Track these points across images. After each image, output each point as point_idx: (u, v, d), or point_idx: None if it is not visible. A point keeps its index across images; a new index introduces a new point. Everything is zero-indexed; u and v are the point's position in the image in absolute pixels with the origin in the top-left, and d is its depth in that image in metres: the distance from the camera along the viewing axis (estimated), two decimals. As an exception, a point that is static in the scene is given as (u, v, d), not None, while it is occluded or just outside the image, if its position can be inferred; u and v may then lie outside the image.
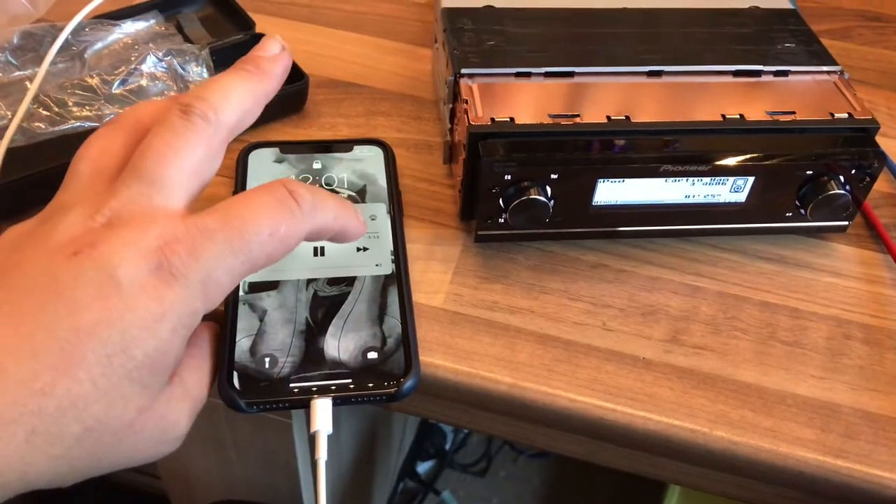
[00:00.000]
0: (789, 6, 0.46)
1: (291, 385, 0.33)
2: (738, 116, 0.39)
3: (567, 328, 0.37)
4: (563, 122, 0.38)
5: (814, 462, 0.34)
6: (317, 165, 0.42)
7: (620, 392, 0.35)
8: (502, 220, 0.38)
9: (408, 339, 0.35)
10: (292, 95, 0.46)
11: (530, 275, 0.40)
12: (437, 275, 0.39)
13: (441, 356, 0.36)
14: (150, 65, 0.45)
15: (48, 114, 0.42)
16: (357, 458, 0.80)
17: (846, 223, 0.41)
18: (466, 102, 0.38)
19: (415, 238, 0.41)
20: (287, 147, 0.43)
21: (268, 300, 0.36)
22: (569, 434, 0.36)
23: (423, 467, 1.24)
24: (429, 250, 0.40)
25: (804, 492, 0.35)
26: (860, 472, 0.33)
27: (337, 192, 0.41)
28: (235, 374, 0.33)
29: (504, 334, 0.37)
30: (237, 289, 0.36)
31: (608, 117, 0.38)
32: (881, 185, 0.46)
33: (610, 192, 0.38)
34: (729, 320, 0.38)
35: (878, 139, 0.48)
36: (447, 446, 1.26)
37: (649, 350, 0.37)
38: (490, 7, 0.44)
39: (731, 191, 0.39)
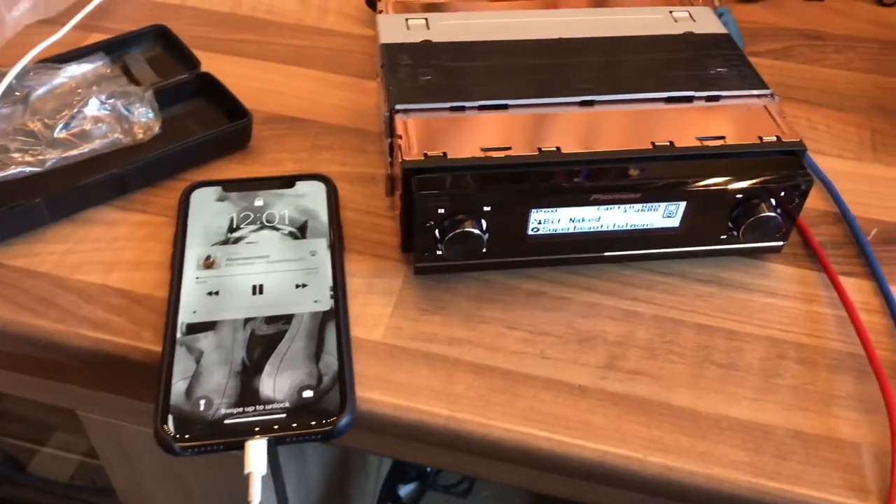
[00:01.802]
0: (722, 31, 0.47)
1: (226, 426, 0.33)
2: (667, 143, 0.39)
3: (505, 357, 0.38)
4: (495, 155, 0.38)
5: (746, 485, 0.34)
6: (258, 203, 0.43)
7: (556, 420, 0.36)
8: (440, 253, 0.39)
9: (343, 377, 0.35)
10: (235, 133, 0.47)
11: (470, 305, 0.40)
12: (378, 308, 0.39)
13: (378, 391, 0.36)
14: (93, 107, 0.46)
15: (-11, 160, 0.42)
16: (329, 482, 0.80)
17: (780, 243, 0.42)
18: (400, 138, 0.39)
19: (356, 272, 0.41)
20: (229, 185, 0.43)
21: (205, 341, 0.36)
22: (508, 464, 0.37)
23: (404, 490, 1.24)
24: (370, 284, 0.41)
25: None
26: (791, 493, 0.34)
27: (278, 230, 0.41)
28: (170, 417, 0.33)
29: (442, 366, 0.37)
30: (175, 331, 0.36)
31: (539, 149, 0.39)
32: (818, 203, 0.47)
33: (544, 221, 0.39)
34: (665, 344, 0.39)
35: (817, 157, 0.49)
36: (428, 468, 1.25)
37: (585, 377, 0.37)
38: (428, 42, 0.45)
39: (663, 216, 0.40)
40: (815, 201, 0.47)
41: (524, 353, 0.38)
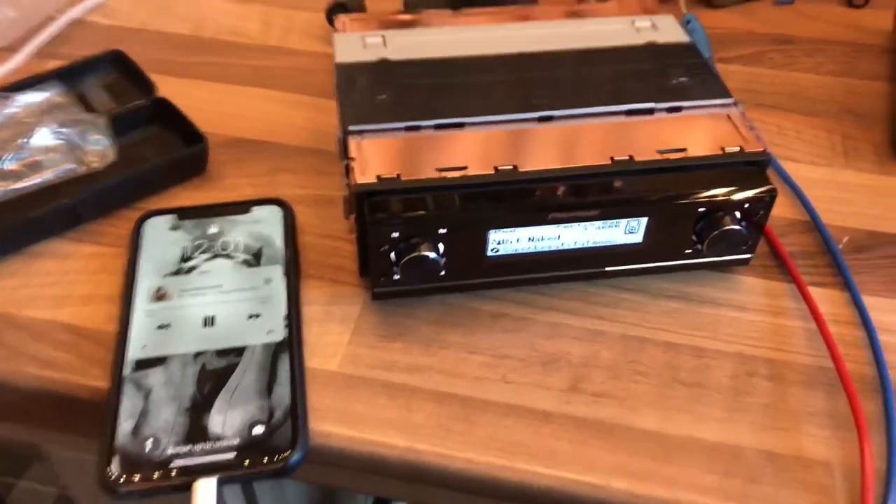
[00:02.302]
0: (685, 40, 0.46)
1: (172, 467, 0.32)
2: (627, 158, 0.38)
3: (465, 384, 0.37)
4: (451, 175, 0.37)
5: (715, 509, 0.33)
6: (213, 230, 0.42)
7: (518, 448, 0.35)
8: (396, 277, 0.38)
9: (296, 410, 0.34)
10: (191, 158, 0.46)
11: (430, 329, 0.39)
12: (335, 336, 0.38)
13: (334, 423, 0.35)
14: (44, 137, 0.45)
15: (-65, 195, 0.41)
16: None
17: (748, 256, 0.41)
18: (353, 160, 0.38)
19: (313, 299, 0.40)
20: (184, 213, 0.42)
21: (154, 377, 0.35)
22: (470, 496, 0.35)
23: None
24: (327, 311, 0.40)
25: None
26: (761, 517, 0.33)
27: (232, 258, 0.40)
28: (116, 459, 0.32)
29: (401, 395, 0.36)
30: (122, 367, 0.35)
31: (496, 168, 0.38)
32: (788, 211, 0.46)
33: (503, 241, 0.38)
34: (630, 364, 0.38)
35: (788, 164, 0.48)
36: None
37: (549, 401, 0.36)
38: (384, 60, 0.44)
39: (625, 233, 0.39)
40: (785, 210, 0.46)
41: (486, 379, 0.37)
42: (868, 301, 0.41)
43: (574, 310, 0.40)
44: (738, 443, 0.35)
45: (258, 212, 0.43)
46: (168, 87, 0.50)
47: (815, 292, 0.41)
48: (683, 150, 0.39)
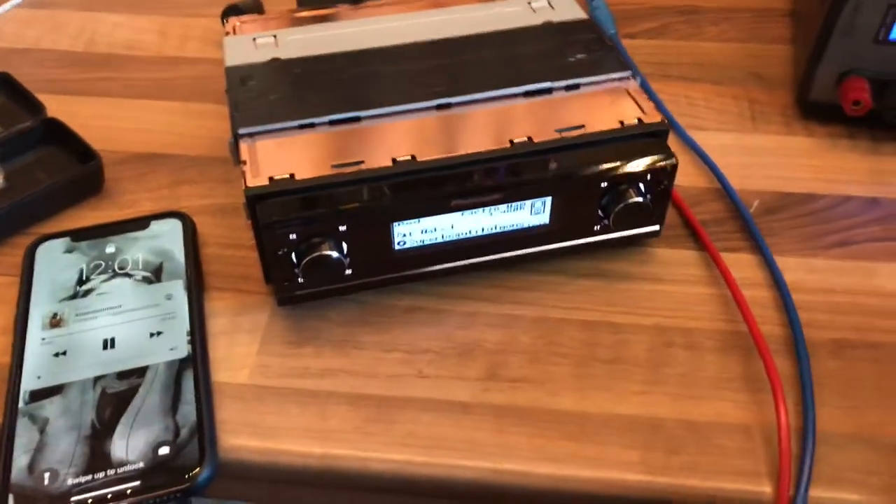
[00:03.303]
0: (582, 16, 0.46)
1: (72, 500, 0.30)
2: (525, 139, 0.38)
3: (381, 383, 0.36)
4: (347, 170, 0.36)
5: (638, 484, 0.33)
6: (110, 249, 0.40)
7: (438, 443, 0.34)
8: (301, 280, 0.37)
9: (203, 427, 0.33)
10: (85, 177, 0.44)
11: (342, 331, 0.38)
12: (243, 348, 0.37)
13: (245, 437, 0.34)
14: (-75, 168, 0.42)
15: None
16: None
17: (657, 227, 0.40)
18: (245, 163, 0.37)
19: (219, 311, 0.39)
20: (78, 234, 0.41)
21: (50, 408, 0.33)
22: (393, 496, 0.35)
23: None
24: (234, 322, 0.38)
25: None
26: (684, 487, 0.32)
27: (131, 276, 0.39)
28: (11, 497, 0.31)
29: (313, 401, 0.35)
30: (16, 401, 0.33)
31: (393, 160, 0.37)
32: (699, 180, 0.46)
33: (408, 234, 0.37)
34: (548, 346, 0.37)
35: (697, 133, 0.48)
36: None
37: (467, 392, 0.36)
38: (276, 59, 0.43)
39: (531, 214, 0.38)
40: (696, 179, 0.46)
41: (402, 375, 0.36)
42: (780, 262, 0.41)
43: (491, 297, 0.39)
44: (658, 415, 0.35)
45: (157, 226, 0.41)
46: (60, 106, 0.48)
47: (728, 258, 0.41)
48: (581, 126, 0.38)
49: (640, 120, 0.39)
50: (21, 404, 0.33)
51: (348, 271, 0.37)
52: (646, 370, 0.36)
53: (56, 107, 0.48)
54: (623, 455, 0.33)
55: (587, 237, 0.40)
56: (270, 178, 0.36)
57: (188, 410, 0.33)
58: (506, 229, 0.38)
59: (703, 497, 0.32)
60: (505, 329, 0.38)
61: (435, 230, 0.37)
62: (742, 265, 0.41)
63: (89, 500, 0.30)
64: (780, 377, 0.34)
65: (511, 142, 0.37)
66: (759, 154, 0.47)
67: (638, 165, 0.37)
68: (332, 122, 0.39)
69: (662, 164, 0.37)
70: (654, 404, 0.35)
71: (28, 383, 0.34)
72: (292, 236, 0.35)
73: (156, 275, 0.39)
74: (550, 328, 0.38)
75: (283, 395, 0.35)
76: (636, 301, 0.39)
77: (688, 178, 0.46)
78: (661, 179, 0.38)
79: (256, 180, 0.36)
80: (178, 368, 0.35)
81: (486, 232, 0.38)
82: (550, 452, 0.33)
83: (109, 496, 0.31)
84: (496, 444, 0.34)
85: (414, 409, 0.35)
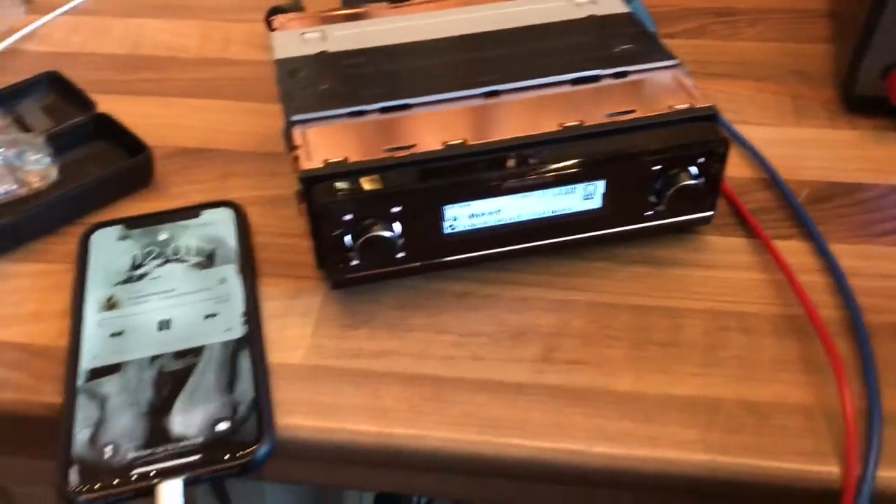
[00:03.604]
0: (625, 10, 0.46)
1: (134, 472, 0.31)
2: (576, 123, 0.38)
3: (434, 364, 0.36)
4: (399, 154, 0.36)
5: (699, 463, 0.32)
6: (163, 237, 0.40)
7: (493, 422, 0.33)
8: (354, 263, 0.37)
9: (260, 404, 0.33)
10: (135, 169, 0.44)
11: (395, 314, 0.38)
12: (297, 330, 0.37)
13: (301, 416, 0.34)
14: (-20, 160, 0.43)
15: None
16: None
17: (709, 213, 0.40)
18: (299, 149, 0.37)
19: (272, 295, 0.39)
20: (131, 223, 0.41)
21: (109, 385, 0.34)
22: (449, 475, 0.34)
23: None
24: (288, 305, 0.38)
25: (695, 495, 0.33)
26: (747, 466, 0.32)
27: (184, 261, 0.39)
28: (74, 468, 0.31)
29: (368, 381, 0.35)
30: (75, 378, 0.34)
31: (444, 143, 0.37)
32: (746, 171, 0.46)
33: (459, 217, 0.37)
34: (601, 330, 0.37)
35: (741, 127, 0.48)
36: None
37: (521, 374, 0.35)
38: (324, 52, 0.44)
39: (583, 198, 0.38)
40: (742, 170, 0.46)
41: (455, 357, 0.36)
42: (834, 248, 0.40)
43: (540, 283, 0.39)
44: (717, 396, 0.34)
45: (208, 215, 0.41)
46: (107, 105, 0.49)
47: (779, 245, 0.40)
48: (632, 111, 0.38)
49: (690, 105, 0.39)
50: (80, 382, 0.34)
51: (400, 254, 0.37)
52: (702, 353, 0.36)
53: (103, 106, 0.49)
54: (682, 434, 0.33)
55: (639, 223, 0.40)
56: (324, 162, 0.36)
57: (245, 388, 0.33)
58: (556, 214, 0.38)
59: (765, 477, 0.32)
60: (557, 313, 0.38)
61: (485, 214, 0.37)
62: (793, 252, 0.40)
63: (151, 473, 0.30)
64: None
65: (562, 125, 0.38)
66: (804, 146, 0.47)
67: (690, 147, 0.37)
68: (382, 110, 0.39)
69: (715, 145, 0.37)
70: (711, 385, 0.35)
71: (87, 362, 0.34)
72: (346, 217, 0.35)
73: (208, 260, 0.39)
74: (603, 313, 0.38)
75: (337, 375, 0.35)
76: (689, 286, 0.39)
77: (734, 168, 0.45)
78: (713, 162, 0.38)
79: (310, 164, 0.36)
80: (234, 348, 0.35)
81: (536, 216, 0.38)
82: (607, 432, 0.33)
83: (170, 469, 0.31)
84: (552, 423, 0.33)
85: (468, 390, 0.35)
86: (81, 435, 0.32)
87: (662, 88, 0.40)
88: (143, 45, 0.57)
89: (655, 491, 0.33)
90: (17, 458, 0.41)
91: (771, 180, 0.45)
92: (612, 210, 0.39)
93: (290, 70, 0.42)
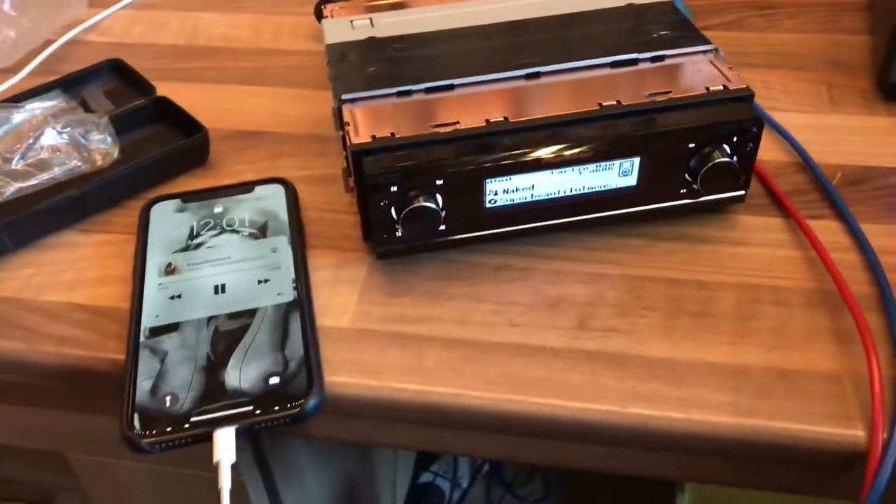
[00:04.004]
0: (663, -1, 0.47)
1: (192, 420, 0.33)
2: (614, 102, 0.39)
3: (474, 330, 0.37)
4: (443, 130, 0.38)
5: (728, 424, 0.33)
6: (218, 210, 0.43)
7: (531, 383, 0.35)
8: (399, 234, 0.39)
9: (309, 360, 0.35)
10: (192, 148, 0.47)
11: (436, 284, 0.40)
12: (344, 297, 0.39)
13: (347, 374, 0.36)
14: (49, 138, 0.46)
15: (-52, 195, 0.42)
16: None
17: (742, 192, 0.41)
18: (348, 125, 0.39)
19: (321, 265, 0.41)
20: (188, 196, 0.44)
21: (168, 342, 0.36)
22: (486, 434, 0.36)
23: (423, 526, 1.22)
24: (335, 275, 0.40)
25: (723, 457, 0.34)
26: (776, 429, 0.33)
27: (238, 232, 0.41)
28: (136, 415, 0.33)
29: (411, 344, 0.37)
30: (138, 335, 0.36)
31: (487, 120, 0.39)
32: (779, 155, 0.46)
33: (500, 191, 0.39)
34: (635, 300, 0.38)
35: (775, 114, 0.49)
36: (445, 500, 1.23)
37: (557, 339, 0.37)
38: (372, 38, 0.46)
39: (619, 175, 0.40)
40: (776, 154, 0.47)
41: (494, 324, 0.38)
42: (865, 228, 0.41)
43: (576, 257, 0.41)
44: (747, 363, 0.35)
45: (261, 190, 0.44)
46: (165, 91, 0.51)
47: (811, 224, 0.41)
48: (668, 92, 0.40)
49: (725, 87, 0.40)
50: (142, 338, 0.36)
51: (442, 227, 0.39)
52: (734, 323, 0.37)
53: (162, 91, 0.51)
54: (713, 397, 0.34)
55: (673, 200, 0.41)
56: (372, 136, 0.38)
57: (295, 347, 0.35)
58: (593, 190, 0.40)
59: (793, 440, 0.33)
60: (592, 285, 0.39)
61: (524, 189, 0.39)
62: (825, 231, 0.41)
63: (207, 421, 0.32)
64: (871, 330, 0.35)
65: (600, 104, 0.39)
66: (839, 132, 0.48)
67: (724, 126, 0.38)
68: (427, 90, 0.41)
69: (748, 124, 0.38)
70: (742, 353, 0.36)
71: (148, 321, 0.37)
72: (393, 189, 0.37)
73: (261, 231, 0.41)
74: (636, 285, 0.39)
75: (382, 337, 0.37)
76: (721, 261, 0.40)
77: (767, 152, 0.46)
78: (746, 141, 0.39)
79: (359, 139, 0.38)
80: (286, 311, 0.37)
81: (573, 192, 0.40)
82: (642, 394, 0.34)
83: (225, 418, 0.33)
84: (587, 384, 0.35)
85: (506, 353, 0.36)
86: (143, 385, 0.34)
87: (698, 72, 0.41)
88: (198, 37, 0.60)
89: (685, 452, 0.35)
90: (79, 414, 0.43)
91: (805, 164, 0.46)
92: (646, 187, 0.40)
93: (340, 54, 0.44)
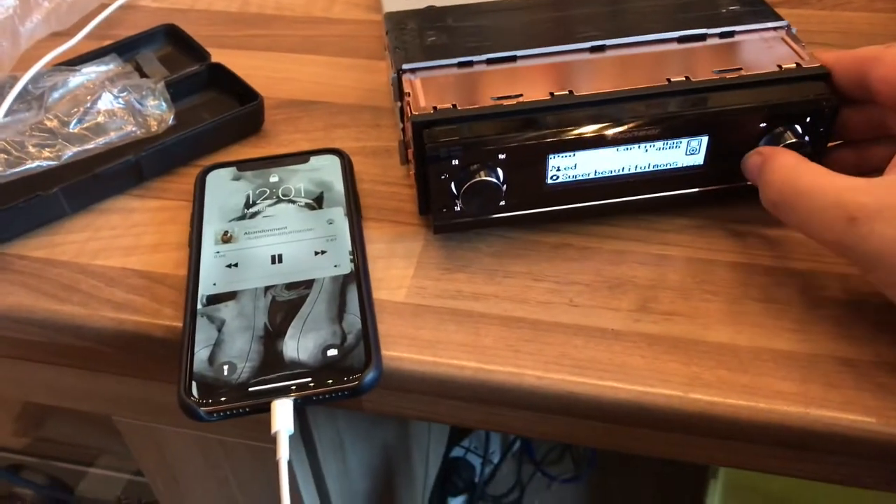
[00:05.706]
0: (732, -27, 0.46)
1: (251, 389, 0.33)
2: (683, 79, 0.38)
3: (532, 308, 0.37)
4: (506, 102, 0.37)
5: (796, 415, 0.32)
6: (274, 179, 0.42)
7: (590, 365, 0.34)
8: (458, 209, 0.38)
9: (367, 334, 0.34)
10: (247, 116, 0.46)
11: (493, 261, 0.39)
12: (399, 270, 0.39)
13: (404, 348, 0.35)
14: (106, 102, 0.46)
15: (6, 157, 0.42)
16: (374, 490, 0.79)
17: (812, 176, 0.40)
18: (409, 95, 0.38)
19: (376, 238, 0.40)
20: (244, 165, 0.43)
21: (225, 311, 0.36)
22: (543, 415, 0.35)
23: (455, 503, 1.22)
24: (390, 248, 0.40)
25: (791, 447, 0.33)
26: (846, 420, 0.32)
27: (294, 202, 0.41)
28: (194, 383, 0.33)
29: (468, 321, 0.36)
30: (195, 303, 0.36)
31: (551, 94, 0.38)
32: (849, 138, 0.45)
33: (563, 168, 0.38)
34: (699, 284, 0.37)
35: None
36: (476, 479, 1.24)
37: (618, 321, 0.36)
38: (431, 7, 0.45)
39: (686, 153, 0.38)
40: (845, 136, 0.45)
41: (552, 303, 0.37)
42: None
43: (638, 237, 0.40)
44: (815, 351, 0.34)
45: (316, 161, 0.43)
46: (219, 58, 0.51)
47: (883, 210, 0.40)
48: (739, 69, 0.39)
49: (798, 65, 0.39)
50: (199, 306, 0.36)
51: (501, 202, 0.38)
52: (800, 310, 0.36)
53: (216, 58, 0.51)
54: (779, 386, 0.33)
55: (740, 181, 0.40)
56: (434, 107, 0.37)
57: (353, 319, 0.35)
58: (659, 168, 0.39)
59: (863, 432, 0.32)
60: (654, 267, 0.38)
61: (589, 165, 0.38)
62: (898, 218, 0.40)
63: (265, 391, 0.32)
64: (946, 320, 0.34)
65: (668, 80, 0.38)
66: (912, 116, 0.46)
67: (799, 105, 0.37)
68: (488, 61, 0.40)
69: (825, 103, 0.37)
70: (809, 341, 0.35)
71: (205, 289, 0.36)
72: (455, 162, 0.37)
73: (317, 202, 0.41)
74: (700, 268, 0.38)
75: (439, 313, 0.37)
76: (787, 247, 0.39)
77: (837, 135, 0.45)
78: (820, 121, 0.38)
79: (420, 109, 0.37)
80: (343, 283, 0.36)
81: (638, 170, 0.39)
82: (705, 379, 0.34)
83: (283, 388, 0.32)
84: (649, 368, 0.34)
85: (565, 334, 0.36)
86: (201, 354, 0.34)
87: (769, 49, 0.40)
88: (251, 4, 0.60)
89: (746, 440, 0.34)
90: (129, 379, 0.44)
91: (876, 148, 0.44)
92: (714, 167, 0.39)
93: (398, 22, 0.43)
